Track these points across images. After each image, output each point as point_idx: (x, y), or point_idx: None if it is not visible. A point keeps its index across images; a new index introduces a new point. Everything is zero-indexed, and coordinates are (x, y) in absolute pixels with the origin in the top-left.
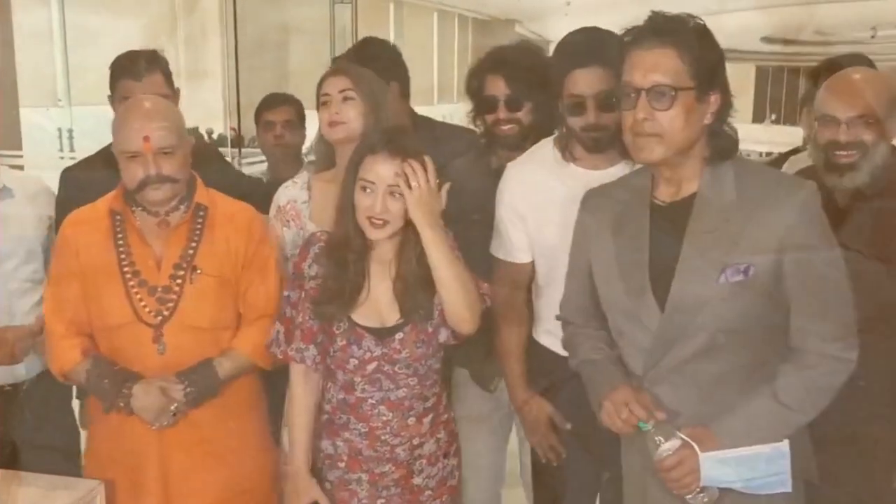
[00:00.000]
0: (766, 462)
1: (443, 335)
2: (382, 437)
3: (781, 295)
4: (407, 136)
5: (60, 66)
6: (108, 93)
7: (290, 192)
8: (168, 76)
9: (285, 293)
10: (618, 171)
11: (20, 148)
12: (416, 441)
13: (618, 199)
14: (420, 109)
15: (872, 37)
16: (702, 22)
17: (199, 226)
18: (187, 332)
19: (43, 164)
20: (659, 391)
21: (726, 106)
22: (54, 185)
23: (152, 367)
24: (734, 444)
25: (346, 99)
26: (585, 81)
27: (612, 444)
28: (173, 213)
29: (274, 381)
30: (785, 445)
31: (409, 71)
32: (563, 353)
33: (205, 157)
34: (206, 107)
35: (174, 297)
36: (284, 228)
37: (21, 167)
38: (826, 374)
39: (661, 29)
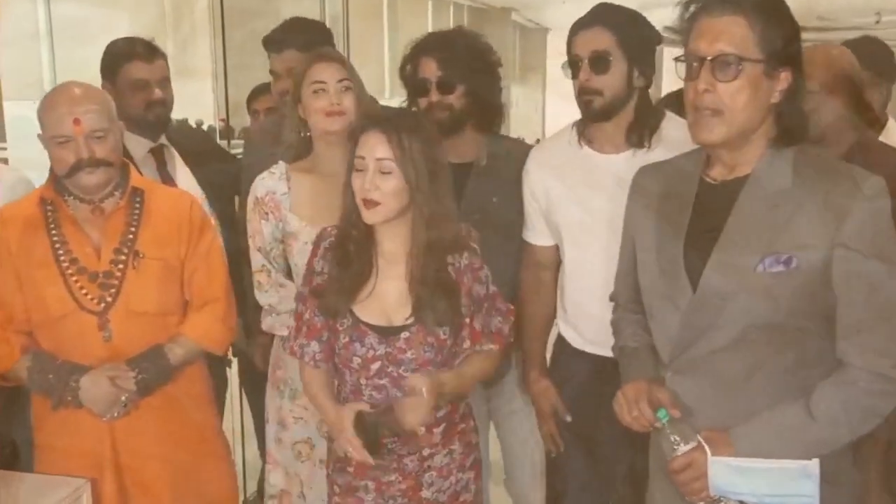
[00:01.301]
0: (790, 480)
1: (466, 343)
2: (389, 446)
3: (826, 298)
4: (399, 115)
5: (47, 59)
6: (104, 81)
7: (268, 184)
8: (167, 62)
9: (299, 289)
10: (627, 156)
11: (4, 140)
12: (426, 452)
13: (668, 175)
14: None
15: (877, 22)
16: None
17: (136, 210)
18: (133, 318)
19: (29, 156)
20: (681, 383)
21: (798, 86)
22: (41, 178)
23: (99, 357)
24: (752, 454)
25: (346, 89)
26: (583, 41)
27: (619, 443)
28: (108, 199)
29: (259, 383)
30: (814, 466)
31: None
32: (582, 347)
33: (200, 144)
34: (196, 101)
35: (116, 282)
36: (262, 221)
37: (5, 160)
38: (870, 393)
39: None
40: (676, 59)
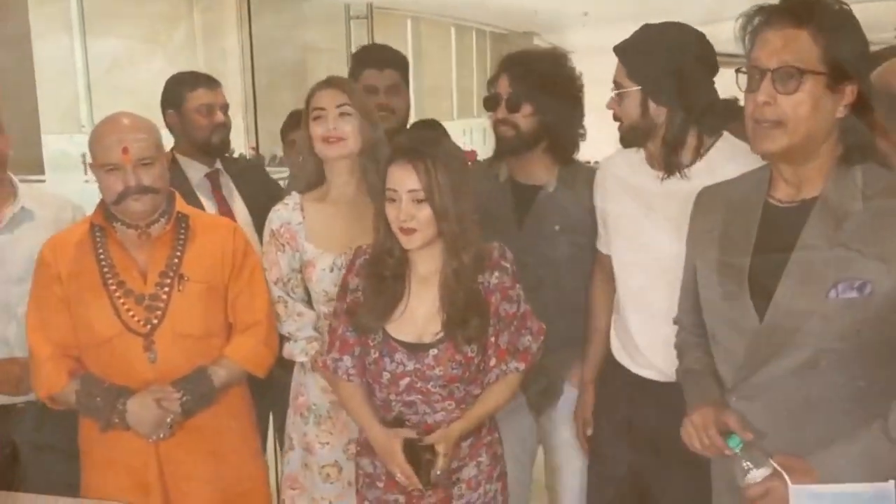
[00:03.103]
0: (868, 503)
1: (493, 361)
2: (437, 476)
3: None
4: (424, 141)
5: (83, 92)
6: (169, 110)
7: (283, 215)
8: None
9: (334, 305)
10: (675, 178)
11: (42, 172)
12: (454, 465)
13: (731, 196)
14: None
15: (895, 37)
16: (846, 7)
17: (182, 235)
18: (178, 340)
19: (67, 189)
20: (747, 407)
21: (864, 100)
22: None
23: (144, 378)
24: (833, 480)
25: (342, 114)
26: (616, 71)
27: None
28: (154, 224)
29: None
30: (890, 486)
31: (428, 86)
32: (621, 360)
33: (246, 170)
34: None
35: (162, 304)
36: (279, 253)
37: (47, 190)
38: None
39: (797, 9)
40: (738, 71)
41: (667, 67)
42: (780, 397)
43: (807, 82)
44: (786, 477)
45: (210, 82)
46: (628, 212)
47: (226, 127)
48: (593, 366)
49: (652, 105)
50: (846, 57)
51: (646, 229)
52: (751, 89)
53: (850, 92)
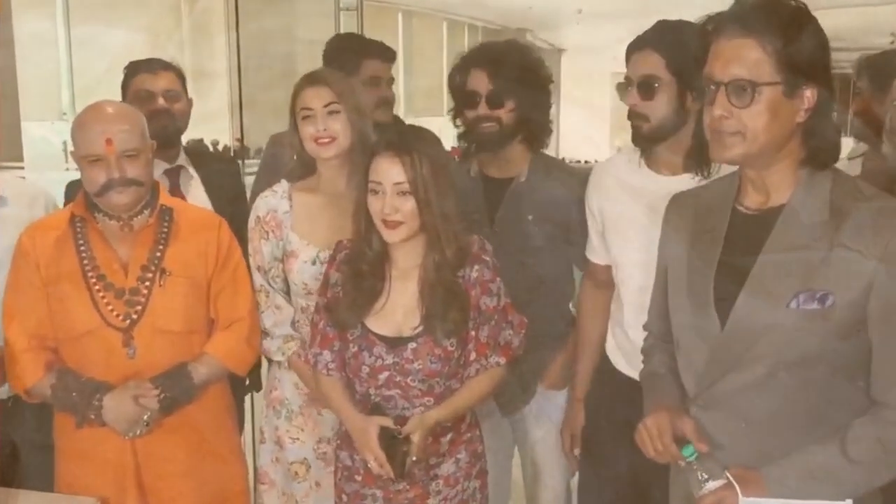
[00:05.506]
0: None
1: (473, 355)
2: (409, 465)
3: (862, 339)
4: (409, 135)
5: (66, 80)
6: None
7: (270, 202)
8: (182, 79)
9: (316, 300)
10: (684, 180)
11: (21, 160)
12: (432, 461)
13: (702, 203)
14: (429, 119)
15: (892, 42)
16: (800, 6)
17: (165, 228)
18: (158, 336)
19: (48, 177)
20: (706, 418)
21: (825, 103)
22: (60, 197)
23: (122, 374)
24: (784, 495)
25: (331, 113)
26: (633, 64)
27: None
28: (137, 217)
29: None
30: None
31: (419, 80)
32: (623, 369)
33: (217, 164)
34: (211, 120)
35: (142, 299)
36: (262, 240)
37: (23, 178)
38: None
39: (745, 16)
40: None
41: (700, 60)
42: (740, 409)
43: (762, 94)
44: (737, 488)
45: (153, 66)
46: (630, 213)
47: (169, 114)
48: (584, 381)
49: (689, 98)
50: (802, 62)
51: (648, 230)
52: (708, 102)
53: (809, 96)
